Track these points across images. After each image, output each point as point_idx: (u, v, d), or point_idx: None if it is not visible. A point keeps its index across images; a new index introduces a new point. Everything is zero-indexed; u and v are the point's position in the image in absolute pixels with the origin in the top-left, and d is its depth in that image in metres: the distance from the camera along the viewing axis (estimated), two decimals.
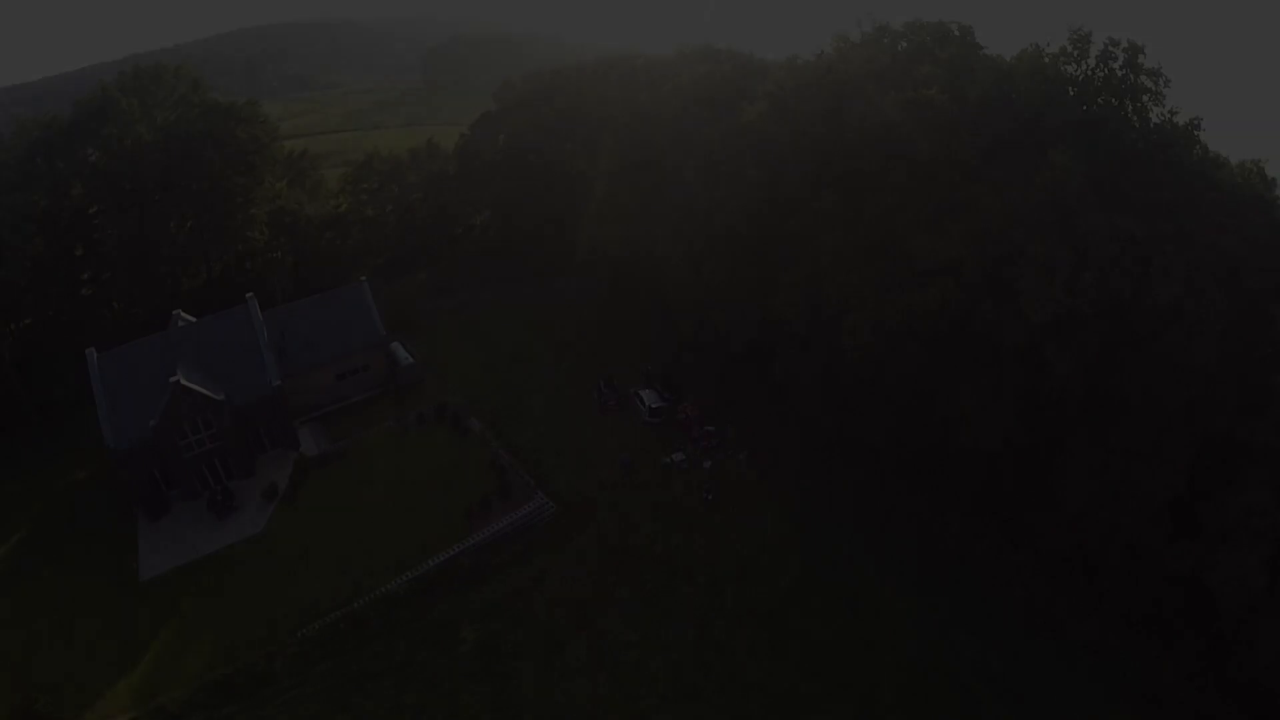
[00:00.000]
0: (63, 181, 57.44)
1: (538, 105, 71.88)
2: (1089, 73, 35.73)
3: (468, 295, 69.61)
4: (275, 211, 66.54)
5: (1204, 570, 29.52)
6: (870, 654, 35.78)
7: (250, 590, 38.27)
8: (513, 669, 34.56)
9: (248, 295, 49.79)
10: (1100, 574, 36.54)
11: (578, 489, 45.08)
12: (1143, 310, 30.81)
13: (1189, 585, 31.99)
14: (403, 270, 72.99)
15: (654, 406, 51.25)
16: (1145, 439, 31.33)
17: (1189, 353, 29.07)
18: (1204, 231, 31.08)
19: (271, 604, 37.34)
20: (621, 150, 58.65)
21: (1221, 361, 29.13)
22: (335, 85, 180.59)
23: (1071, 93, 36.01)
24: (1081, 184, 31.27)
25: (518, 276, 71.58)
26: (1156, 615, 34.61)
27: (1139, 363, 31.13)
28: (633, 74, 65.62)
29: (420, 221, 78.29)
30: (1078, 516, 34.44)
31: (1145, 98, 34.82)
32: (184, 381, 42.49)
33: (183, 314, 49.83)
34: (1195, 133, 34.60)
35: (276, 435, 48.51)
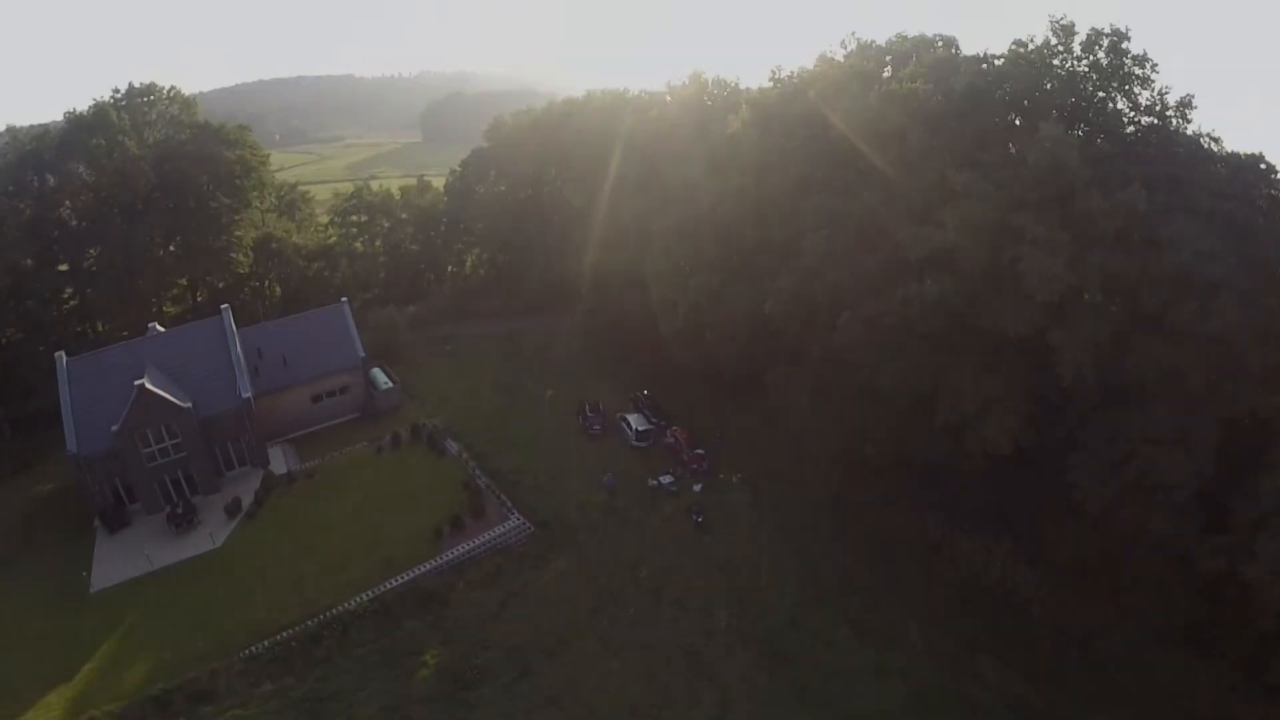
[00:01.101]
0: (51, 194, 57.19)
1: (528, 141, 72.42)
2: (1075, 63, 35.35)
3: (455, 327, 68.77)
4: (262, 238, 66.08)
5: (1240, 563, 26.72)
6: (881, 682, 32.56)
7: (202, 606, 35.62)
8: (476, 697, 31.22)
9: (222, 306, 48.44)
10: (1126, 583, 33.60)
11: (558, 510, 42.50)
12: (1152, 282, 29.14)
13: (1223, 586, 29.11)
14: (390, 303, 71.99)
15: (641, 430, 49.17)
16: (1167, 425, 29.05)
17: (1205, 322, 27.17)
18: (1208, 200, 29.77)
19: (222, 621, 34.67)
20: (613, 177, 58.54)
21: (1240, 333, 27.19)
22: (337, 139, 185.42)
23: (1058, 84, 35.57)
24: (1077, 161, 30.24)
25: (507, 309, 70.91)
26: (1189, 623, 31.62)
27: (1153, 341, 29.18)
28: (623, 104, 66.36)
29: (410, 256, 77.98)
30: (1099, 520, 31.82)
31: (1133, 84, 34.31)
32: (149, 386, 40.58)
33: (157, 325, 48.60)
34: (1188, 110, 33.85)
35: (245, 451, 46.19)
